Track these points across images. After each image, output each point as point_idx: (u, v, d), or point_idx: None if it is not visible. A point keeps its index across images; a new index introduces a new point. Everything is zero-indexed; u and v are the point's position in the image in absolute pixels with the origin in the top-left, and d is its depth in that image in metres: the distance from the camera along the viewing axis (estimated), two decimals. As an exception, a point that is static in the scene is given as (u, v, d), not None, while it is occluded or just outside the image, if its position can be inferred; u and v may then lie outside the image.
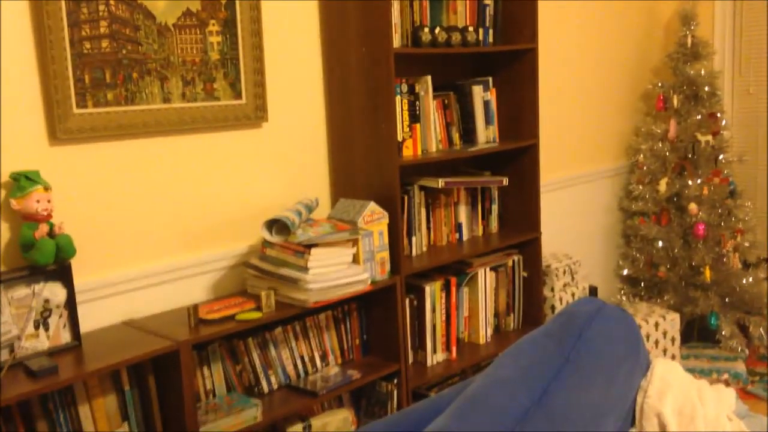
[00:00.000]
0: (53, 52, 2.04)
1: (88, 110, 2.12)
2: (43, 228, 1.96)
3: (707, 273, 3.69)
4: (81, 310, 2.13)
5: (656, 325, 3.47)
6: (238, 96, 2.45)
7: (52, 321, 2.01)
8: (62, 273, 2.03)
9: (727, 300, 3.77)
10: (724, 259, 3.72)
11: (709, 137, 3.74)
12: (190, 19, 2.32)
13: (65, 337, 2.04)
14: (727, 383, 3.44)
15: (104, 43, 2.14)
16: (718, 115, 3.76)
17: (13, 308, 1.94)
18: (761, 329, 3.71)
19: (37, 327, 1.99)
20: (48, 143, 2.09)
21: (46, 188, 1.99)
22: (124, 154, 2.24)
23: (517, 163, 3.14)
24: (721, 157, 3.77)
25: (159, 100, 2.27)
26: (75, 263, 2.08)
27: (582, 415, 1.35)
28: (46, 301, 2.00)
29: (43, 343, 2.00)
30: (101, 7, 2.13)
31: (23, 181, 1.96)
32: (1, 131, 2.00)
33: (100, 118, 2.15)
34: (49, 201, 1.98)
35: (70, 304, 2.04)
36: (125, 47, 2.19)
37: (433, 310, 2.82)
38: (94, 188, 2.19)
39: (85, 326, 2.16)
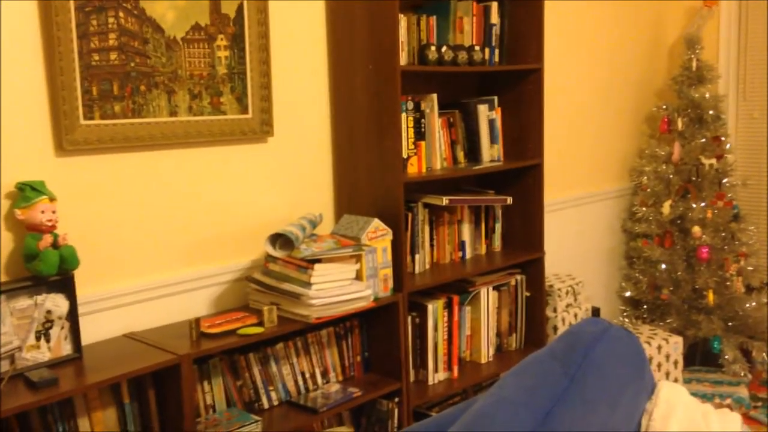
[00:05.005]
0: (62, 64, 2.04)
1: (95, 122, 2.13)
2: (47, 239, 1.96)
3: (710, 296, 3.68)
4: (82, 322, 2.12)
5: (659, 348, 3.45)
6: (245, 110, 2.46)
7: (54, 332, 2.00)
8: (65, 284, 2.02)
9: (730, 324, 3.75)
10: (728, 283, 3.70)
11: (713, 160, 3.74)
12: (198, 33, 2.33)
13: (66, 348, 2.03)
14: (729, 408, 3.42)
15: (113, 56, 2.15)
16: (723, 138, 3.77)
17: (15, 319, 1.93)
18: (764, 354, 3.69)
19: (38, 338, 1.98)
20: (54, 154, 2.09)
21: (51, 199, 1.99)
22: (129, 166, 2.24)
23: (521, 182, 3.14)
24: (725, 180, 3.77)
25: (166, 113, 2.28)
26: (78, 275, 2.08)
27: (587, 437, 1.33)
28: (48, 312, 1.99)
29: (44, 354, 1.99)
30: (111, 20, 2.14)
31: (29, 191, 1.96)
32: (8, 141, 2.00)
33: (107, 130, 2.15)
34: (53, 212, 1.98)
35: (72, 316, 2.03)
36: (134, 60, 2.19)
37: (435, 329, 2.80)
38: (99, 200, 2.19)
39: (86, 338, 2.15)
